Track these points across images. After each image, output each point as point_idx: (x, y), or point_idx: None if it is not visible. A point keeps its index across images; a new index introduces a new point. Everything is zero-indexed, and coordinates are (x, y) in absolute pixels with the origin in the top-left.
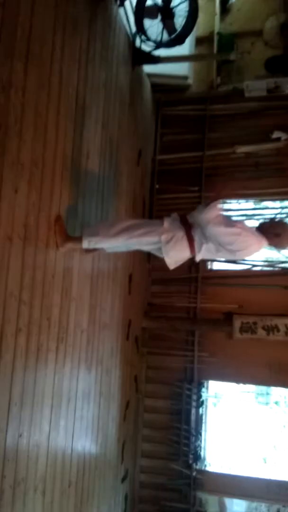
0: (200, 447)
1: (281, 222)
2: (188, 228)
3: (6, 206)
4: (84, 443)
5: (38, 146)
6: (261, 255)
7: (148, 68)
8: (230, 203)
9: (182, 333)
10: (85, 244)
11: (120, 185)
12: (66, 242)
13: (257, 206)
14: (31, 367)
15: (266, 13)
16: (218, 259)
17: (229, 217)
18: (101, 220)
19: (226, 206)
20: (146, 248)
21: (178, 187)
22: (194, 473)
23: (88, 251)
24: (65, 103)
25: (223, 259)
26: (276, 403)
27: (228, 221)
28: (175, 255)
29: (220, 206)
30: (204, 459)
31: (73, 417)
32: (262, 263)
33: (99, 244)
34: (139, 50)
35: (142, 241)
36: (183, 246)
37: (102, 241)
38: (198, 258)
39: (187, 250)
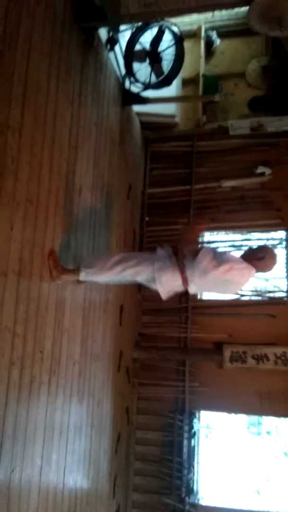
0: (193, 480)
1: (262, 247)
2: (179, 259)
3: (2, 243)
4: (76, 477)
5: (33, 184)
6: (250, 285)
7: (137, 108)
8: (217, 234)
9: (173, 363)
10: (82, 276)
11: (111, 218)
12: (61, 274)
13: (245, 237)
14: (23, 399)
15: (248, 55)
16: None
17: (218, 252)
18: (97, 254)
19: (213, 238)
20: (140, 278)
21: (168, 219)
22: (187, 507)
23: (80, 282)
24: (58, 143)
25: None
26: (268, 433)
27: (220, 259)
28: (168, 283)
29: (208, 250)
30: (197, 492)
31: (65, 451)
32: (250, 293)
33: (95, 276)
34: (129, 91)
35: (137, 271)
36: (175, 275)
37: (98, 274)
38: (191, 290)
39: (179, 279)
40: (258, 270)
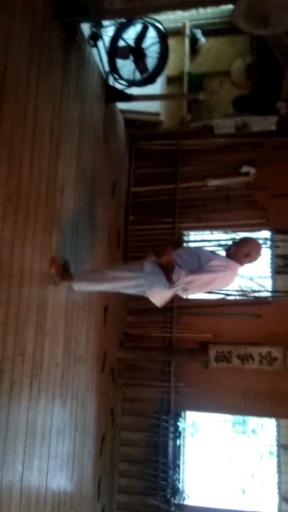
0: (178, 480)
1: (245, 242)
2: (167, 277)
3: None
4: (59, 482)
5: (12, 182)
6: (235, 285)
7: (121, 105)
8: (202, 234)
9: (158, 363)
10: (75, 287)
11: (95, 217)
12: (62, 280)
13: (230, 237)
14: (3, 405)
15: (233, 54)
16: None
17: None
18: (89, 268)
19: (198, 237)
20: (130, 291)
21: (152, 218)
22: (172, 508)
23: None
24: (39, 140)
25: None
26: (253, 431)
27: (202, 270)
28: (160, 296)
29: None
30: (183, 492)
31: (47, 456)
32: (235, 292)
33: (88, 288)
34: (112, 88)
35: (127, 288)
36: (166, 290)
37: (90, 287)
38: (183, 297)
39: (169, 292)
40: (244, 264)
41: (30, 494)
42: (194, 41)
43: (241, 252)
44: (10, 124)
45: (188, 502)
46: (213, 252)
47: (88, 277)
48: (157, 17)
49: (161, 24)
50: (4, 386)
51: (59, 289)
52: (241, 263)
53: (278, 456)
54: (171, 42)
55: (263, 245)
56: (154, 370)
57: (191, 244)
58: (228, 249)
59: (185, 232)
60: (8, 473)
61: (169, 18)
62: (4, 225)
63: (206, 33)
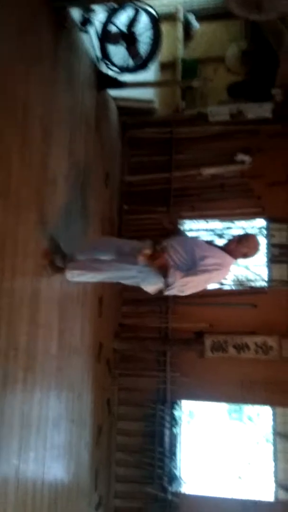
0: (175, 468)
1: (245, 242)
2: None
3: None
4: (56, 474)
5: (2, 174)
6: (231, 275)
7: (113, 92)
8: (198, 223)
9: (153, 353)
10: (68, 276)
11: (89, 207)
12: (55, 273)
13: (225, 226)
14: None
15: (227, 39)
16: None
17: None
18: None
19: (194, 226)
20: (125, 282)
21: (147, 207)
22: (169, 496)
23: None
24: (30, 131)
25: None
26: (249, 418)
27: (196, 269)
28: (153, 286)
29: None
30: (179, 481)
31: (43, 448)
32: (231, 282)
33: (81, 278)
34: (104, 74)
35: (120, 279)
36: (159, 280)
37: (83, 276)
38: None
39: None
40: (238, 258)
41: (26, 488)
42: (187, 26)
43: (240, 252)
44: None
45: (184, 489)
46: (209, 243)
47: (82, 267)
48: (149, 1)
49: (153, 8)
50: None
51: (53, 281)
52: (236, 258)
53: (274, 443)
54: (164, 27)
55: (258, 235)
56: (150, 360)
57: (187, 233)
58: (228, 244)
59: (180, 221)
60: (3, 467)
61: (162, 3)
62: None
63: (199, 18)
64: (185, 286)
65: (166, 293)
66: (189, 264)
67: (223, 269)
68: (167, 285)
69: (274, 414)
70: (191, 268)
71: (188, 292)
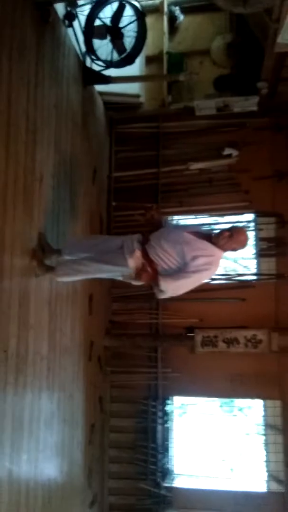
0: (168, 462)
1: (236, 238)
2: (150, 261)
3: None
4: (49, 474)
5: None
6: (220, 269)
7: (99, 87)
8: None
9: (144, 349)
10: (57, 278)
11: (76, 204)
12: (45, 272)
13: (213, 220)
14: None
15: (213, 32)
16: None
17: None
18: (70, 246)
19: (182, 221)
20: (116, 277)
21: (135, 203)
22: (163, 491)
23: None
24: (14, 128)
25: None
26: (240, 409)
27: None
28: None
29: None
30: (172, 474)
31: (36, 450)
32: (220, 276)
33: (68, 279)
34: (90, 69)
35: (107, 276)
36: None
37: (70, 277)
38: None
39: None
40: (228, 251)
41: (19, 490)
42: (172, 19)
43: (230, 246)
44: None
45: (177, 484)
46: (197, 233)
47: (69, 266)
48: None
49: (138, 1)
50: None
51: (42, 281)
52: (226, 251)
53: (266, 436)
54: (149, 20)
55: (247, 228)
56: (141, 357)
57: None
58: (218, 238)
59: (168, 217)
60: None
61: None
62: None
63: (184, 11)
64: (177, 289)
65: (160, 297)
66: (180, 264)
67: (214, 266)
68: (160, 291)
69: (265, 407)
70: (182, 268)
71: (181, 292)
